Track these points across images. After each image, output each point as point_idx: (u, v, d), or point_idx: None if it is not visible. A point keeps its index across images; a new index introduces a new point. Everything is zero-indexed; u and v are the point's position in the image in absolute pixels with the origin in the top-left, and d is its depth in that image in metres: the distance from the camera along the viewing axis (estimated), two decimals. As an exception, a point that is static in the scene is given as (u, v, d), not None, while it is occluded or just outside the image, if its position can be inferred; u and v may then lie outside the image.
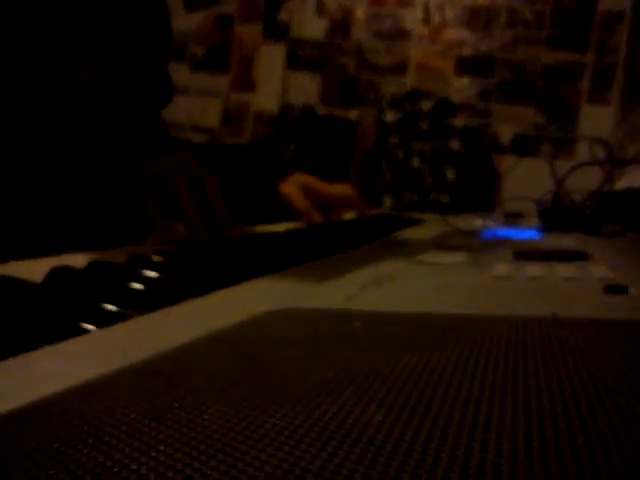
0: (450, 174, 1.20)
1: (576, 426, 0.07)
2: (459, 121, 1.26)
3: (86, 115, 0.37)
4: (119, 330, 0.13)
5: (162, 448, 0.07)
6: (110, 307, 0.15)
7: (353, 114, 1.68)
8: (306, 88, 1.74)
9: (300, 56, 1.74)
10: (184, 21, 1.81)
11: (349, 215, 0.54)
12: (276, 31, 1.76)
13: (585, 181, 0.46)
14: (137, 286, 0.17)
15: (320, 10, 1.73)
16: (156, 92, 0.46)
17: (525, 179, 0.83)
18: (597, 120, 1.53)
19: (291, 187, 0.49)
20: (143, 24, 0.42)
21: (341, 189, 0.53)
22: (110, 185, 0.32)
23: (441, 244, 0.29)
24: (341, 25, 1.72)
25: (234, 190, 0.34)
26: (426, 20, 1.67)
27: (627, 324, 0.14)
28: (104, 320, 0.13)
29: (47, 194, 0.32)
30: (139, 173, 0.32)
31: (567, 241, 0.33)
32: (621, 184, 0.55)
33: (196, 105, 1.81)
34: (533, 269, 0.22)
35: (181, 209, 0.31)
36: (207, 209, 0.32)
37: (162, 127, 0.51)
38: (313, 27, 1.73)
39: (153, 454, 0.07)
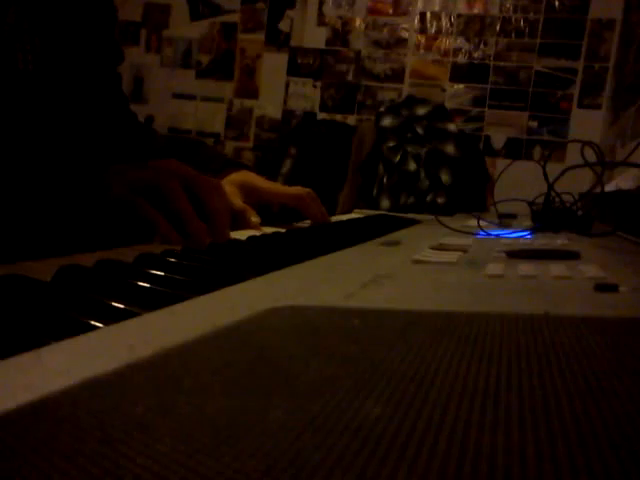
0: (445, 177, 1.21)
1: (569, 423, 0.07)
2: (454, 126, 1.28)
3: (30, 87, 0.35)
4: (126, 327, 0.13)
5: (168, 441, 0.07)
6: (117, 305, 0.15)
7: (352, 120, 1.71)
8: (307, 95, 1.78)
9: (301, 64, 1.78)
10: (189, 30, 1.84)
11: (304, 224, 0.45)
12: (278, 40, 1.79)
13: (576, 183, 0.47)
14: (144, 284, 0.17)
15: (320, 20, 1.76)
16: (104, 56, 0.44)
17: (518, 182, 0.84)
18: (588, 124, 1.56)
19: (228, 186, 0.41)
20: None
21: (289, 190, 0.44)
22: (99, 192, 0.31)
23: (437, 244, 0.30)
24: (340, 34, 1.76)
25: None
26: (422, 29, 1.70)
27: (617, 321, 0.15)
28: (112, 317, 0.13)
29: (51, 196, 0.31)
30: (124, 180, 0.31)
31: (558, 241, 0.34)
32: (611, 186, 0.56)
33: (201, 111, 1.85)
34: (525, 268, 0.22)
35: (175, 213, 0.30)
36: (201, 212, 0.31)
37: (134, 117, 0.50)
38: (313, 36, 1.77)
39: (159, 447, 0.07)
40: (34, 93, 0.36)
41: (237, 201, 0.41)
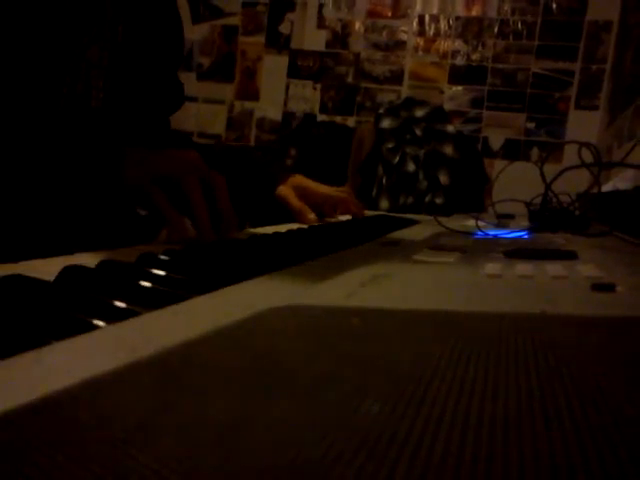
0: (444, 178, 1.22)
1: (566, 422, 0.07)
2: (452, 127, 1.28)
3: (97, 125, 0.36)
4: (128, 326, 0.13)
5: (169, 440, 0.07)
6: (119, 304, 0.15)
7: (351, 121, 1.72)
8: (307, 96, 1.78)
9: (301, 66, 1.78)
10: (190, 32, 1.85)
11: (344, 217, 0.56)
12: (278, 42, 1.80)
13: (573, 183, 0.47)
14: (145, 284, 0.17)
15: (320, 22, 1.77)
16: (168, 99, 0.47)
17: (516, 182, 0.84)
18: (585, 125, 1.57)
19: (287, 189, 0.50)
20: (157, 32, 0.42)
21: (334, 191, 0.55)
22: (114, 180, 0.31)
23: (435, 244, 0.30)
24: (340, 36, 1.76)
25: (233, 191, 0.34)
26: (421, 31, 1.71)
27: (614, 321, 0.15)
28: (113, 317, 0.13)
29: (56, 195, 0.31)
30: (145, 167, 0.31)
31: (556, 241, 0.34)
32: (608, 186, 0.56)
33: (203, 113, 1.86)
34: (523, 268, 0.22)
35: (189, 206, 0.30)
36: (214, 207, 0.31)
37: (167, 123, 0.51)
38: (313, 38, 1.78)
39: (160, 446, 0.07)
40: (97, 132, 0.36)
41: (295, 201, 0.48)
